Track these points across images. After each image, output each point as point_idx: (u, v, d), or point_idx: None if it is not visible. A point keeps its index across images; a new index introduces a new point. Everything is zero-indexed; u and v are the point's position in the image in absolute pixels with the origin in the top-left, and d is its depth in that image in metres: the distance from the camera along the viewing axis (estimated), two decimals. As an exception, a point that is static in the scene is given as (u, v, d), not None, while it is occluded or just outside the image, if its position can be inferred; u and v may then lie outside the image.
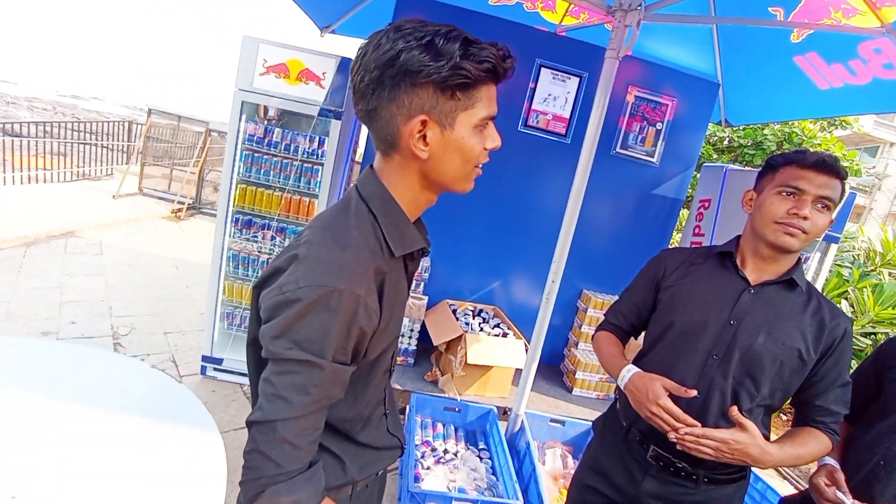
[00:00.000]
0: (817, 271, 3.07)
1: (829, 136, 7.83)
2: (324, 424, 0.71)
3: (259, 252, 2.86)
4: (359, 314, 0.65)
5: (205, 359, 2.93)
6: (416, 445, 2.15)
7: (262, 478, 0.65)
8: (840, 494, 1.12)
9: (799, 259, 1.13)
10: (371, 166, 0.78)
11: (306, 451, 0.67)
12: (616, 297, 1.42)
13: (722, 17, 2.41)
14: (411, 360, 2.86)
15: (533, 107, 2.98)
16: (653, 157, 3.16)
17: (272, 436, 0.64)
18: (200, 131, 7.37)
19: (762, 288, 1.11)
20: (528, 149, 3.03)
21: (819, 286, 3.06)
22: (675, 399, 1.06)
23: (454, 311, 2.89)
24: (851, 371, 1.22)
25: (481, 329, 2.72)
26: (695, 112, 3.15)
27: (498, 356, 2.51)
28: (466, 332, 2.57)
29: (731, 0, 2.38)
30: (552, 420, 2.40)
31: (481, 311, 3.02)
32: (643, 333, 1.34)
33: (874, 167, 21.12)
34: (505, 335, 2.70)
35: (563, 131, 3.02)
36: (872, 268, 4.57)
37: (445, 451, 2.17)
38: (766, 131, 7.52)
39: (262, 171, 2.71)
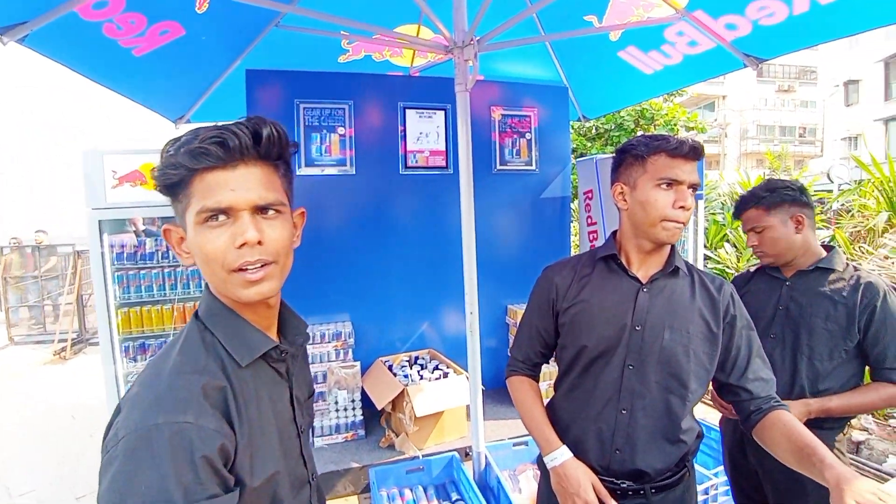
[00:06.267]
0: (695, 225, 3.43)
1: (673, 105, 8.94)
2: None
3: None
4: (193, 442, 0.56)
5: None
6: (389, 524, 2.01)
7: None
8: None
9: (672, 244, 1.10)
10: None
11: None
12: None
13: (548, 35, 2.67)
14: (361, 432, 2.71)
15: (408, 148, 3.05)
16: (531, 165, 3.36)
17: None
18: (69, 252, 6.63)
19: (652, 284, 1.09)
20: (415, 188, 3.08)
21: (700, 237, 3.41)
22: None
23: (390, 367, 2.80)
24: None
25: (421, 377, 2.66)
26: (555, 116, 3.42)
27: (444, 400, 2.46)
28: (407, 385, 2.49)
29: (554, 17, 2.65)
30: (515, 444, 2.38)
31: (417, 358, 2.95)
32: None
33: (716, 119, 24.44)
34: (446, 375, 2.65)
35: (444, 163, 3.12)
36: (739, 207, 5.22)
37: (420, 518, 2.06)
38: (622, 113, 8.40)
39: (144, 287, 2.47)
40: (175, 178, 0.62)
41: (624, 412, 1.06)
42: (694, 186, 1.03)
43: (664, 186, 1.01)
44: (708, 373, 1.06)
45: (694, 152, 1.01)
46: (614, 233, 1.18)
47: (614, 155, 1.14)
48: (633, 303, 1.07)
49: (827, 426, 1.39)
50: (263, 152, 0.65)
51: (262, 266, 0.65)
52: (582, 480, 1.02)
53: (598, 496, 1.02)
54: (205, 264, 0.65)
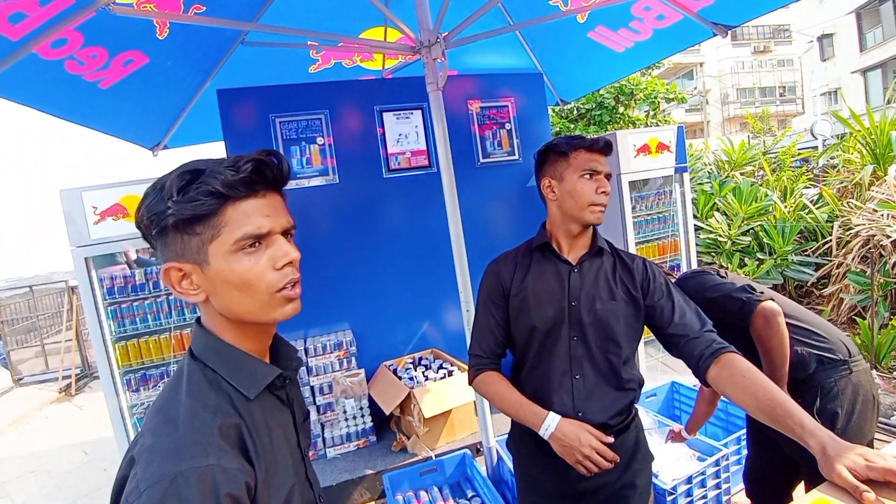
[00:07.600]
0: (682, 196, 3.43)
1: (651, 78, 8.93)
2: None
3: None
4: (218, 484, 0.57)
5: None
6: (408, 527, 2.02)
7: None
8: None
9: (594, 228, 1.27)
10: (198, 319, 0.74)
11: None
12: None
13: (516, 25, 2.65)
14: (373, 438, 2.72)
15: (389, 151, 3.04)
16: (514, 154, 3.36)
17: None
18: (62, 288, 6.59)
19: (581, 265, 1.25)
20: (401, 191, 3.07)
21: (689, 209, 3.41)
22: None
23: (395, 371, 2.81)
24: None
25: (426, 378, 2.66)
26: (532, 103, 3.41)
27: (451, 398, 2.47)
28: (412, 387, 2.50)
29: (520, 5, 2.64)
30: (525, 435, 2.39)
31: (421, 359, 2.96)
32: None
33: (695, 87, 24.41)
34: (450, 373, 2.66)
35: (427, 162, 3.11)
36: (727, 175, 5.21)
37: (438, 518, 2.07)
38: (601, 91, 8.39)
39: (139, 319, 2.46)
40: (211, 207, 0.63)
41: (578, 378, 1.21)
42: (608, 176, 1.23)
43: (587, 177, 1.20)
44: (636, 332, 1.24)
45: (608, 147, 1.23)
46: (544, 223, 1.34)
47: (536, 155, 1.31)
48: (567, 283, 1.24)
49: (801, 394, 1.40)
50: (280, 182, 0.70)
51: (296, 283, 0.70)
52: (580, 431, 1.13)
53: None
54: (242, 291, 0.66)
